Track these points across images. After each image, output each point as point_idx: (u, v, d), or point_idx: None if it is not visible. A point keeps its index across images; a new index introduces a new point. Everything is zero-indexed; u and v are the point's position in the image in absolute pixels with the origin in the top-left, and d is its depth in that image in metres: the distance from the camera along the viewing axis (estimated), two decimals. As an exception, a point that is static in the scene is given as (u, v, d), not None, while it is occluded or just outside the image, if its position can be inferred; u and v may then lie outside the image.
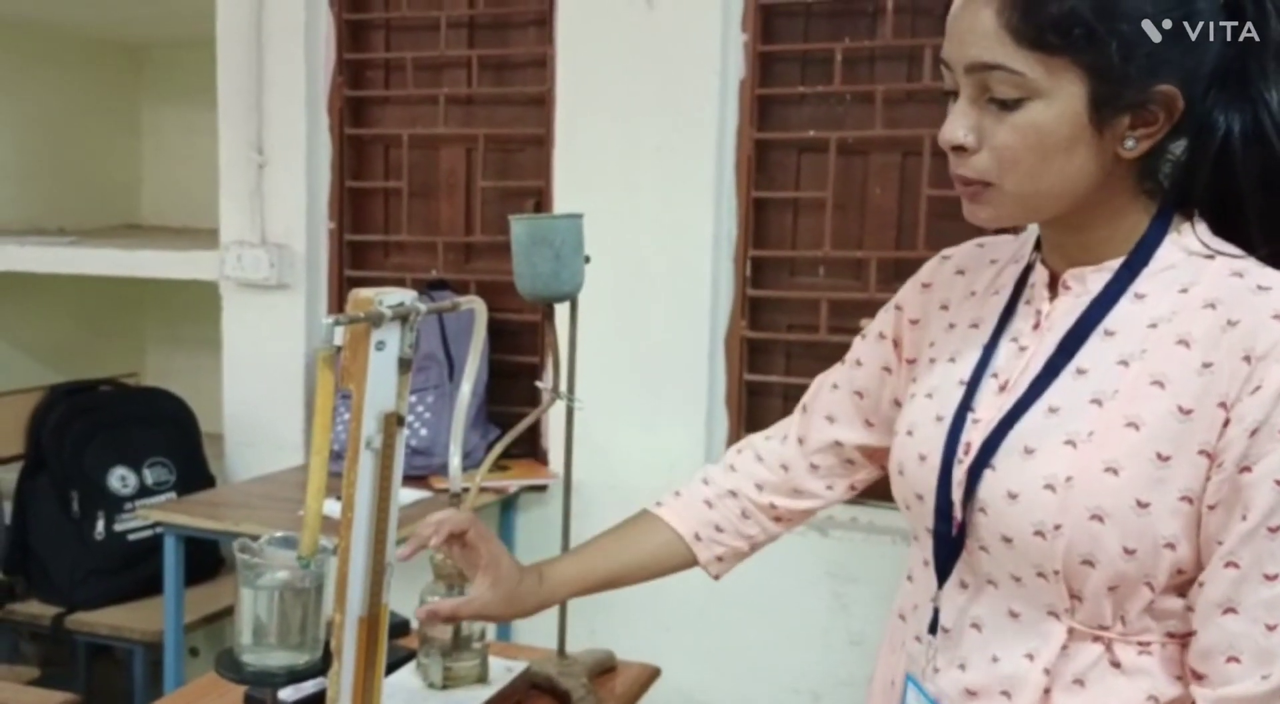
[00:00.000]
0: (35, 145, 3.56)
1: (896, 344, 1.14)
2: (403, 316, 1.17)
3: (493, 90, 2.77)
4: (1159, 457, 0.86)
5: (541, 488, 2.67)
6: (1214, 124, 0.88)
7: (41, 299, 3.50)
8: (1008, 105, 0.87)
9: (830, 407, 1.18)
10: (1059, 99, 0.86)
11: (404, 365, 1.19)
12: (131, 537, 2.68)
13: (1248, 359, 0.84)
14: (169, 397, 2.91)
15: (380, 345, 1.15)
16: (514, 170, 2.79)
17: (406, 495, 2.43)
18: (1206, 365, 0.85)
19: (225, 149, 2.88)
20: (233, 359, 2.91)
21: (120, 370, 3.09)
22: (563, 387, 1.44)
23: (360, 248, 2.93)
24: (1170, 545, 0.86)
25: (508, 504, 2.69)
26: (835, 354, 2.82)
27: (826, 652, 2.49)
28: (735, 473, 1.23)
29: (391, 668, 1.39)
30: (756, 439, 1.25)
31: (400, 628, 1.62)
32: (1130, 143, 0.88)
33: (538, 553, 2.72)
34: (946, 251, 1.12)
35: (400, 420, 1.18)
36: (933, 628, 0.99)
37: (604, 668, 1.51)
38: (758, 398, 2.62)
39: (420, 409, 2.59)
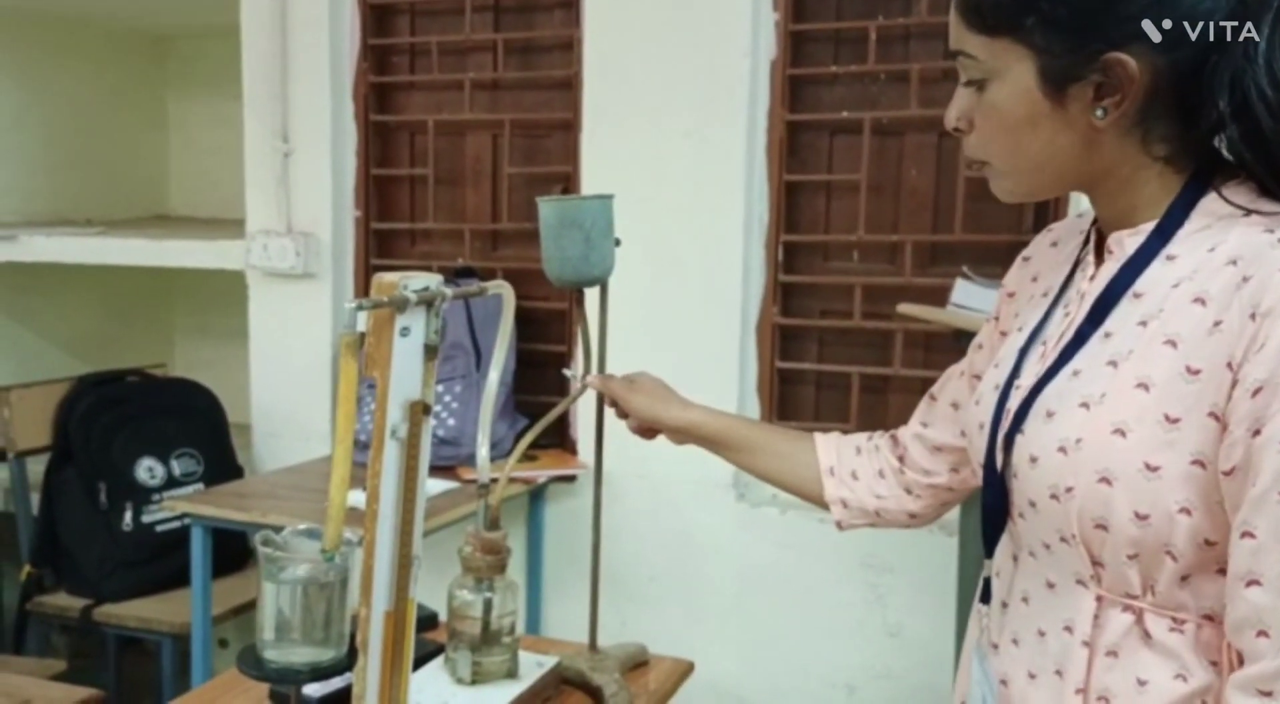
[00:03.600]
0: (62, 137, 3.55)
1: (997, 321, 1.15)
2: (428, 301, 1.13)
3: (519, 74, 2.73)
4: (1167, 418, 0.84)
5: (570, 478, 2.64)
6: (1213, 90, 0.85)
7: (70, 291, 3.49)
8: (979, 87, 0.92)
9: (956, 393, 1.19)
10: (1010, 78, 0.90)
11: (430, 352, 1.16)
12: (159, 528, 2.67)
13: (1254, 316, 0.80)
14: (197, 387, 2.89)
15: (405, 331, 1.11)
16: (541, 156, 2.75)
17: (434, 486, 2.40)
18: (1217, 324, 0.83)
19: (250, 138, 2.86)
20: (259, 349, 2.89)
21: (148, 361, 3.08)
22: (593, 374, 1.39)
23: (386, 236, 2.91)
24: (1185, 511, 0.84)
25: (536, 494, 2.66)
26: (869, 340, 2.76)
27: (862, 644, 2.44)
28: (882, 436, 1.27)
29: (419, 662, 1.36)
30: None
31: (428, 621, 1.59)
32: (1100, 113, 0.88)
33: (567, 545, 2.70)
34: (1052, 225, 1.12)
35: (426, 409, 1.15)
36: (985, 597, 1.01)
37: (636, 662, 1.47)
38: (790, 385, 2.57)
39: (447, 399, 2.56)
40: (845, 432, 1.32)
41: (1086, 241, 1.01)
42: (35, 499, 2.70)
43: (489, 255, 2.81)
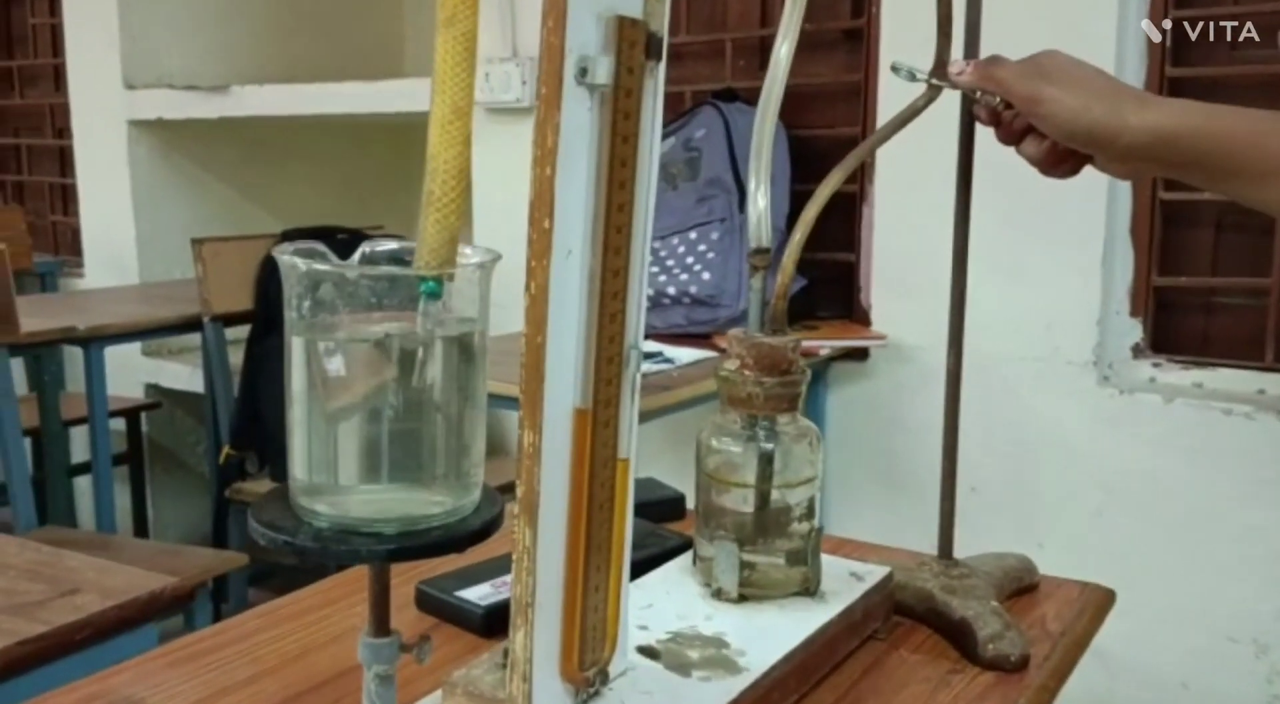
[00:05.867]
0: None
1: None
2: None
3: None
4: None
5: (862, 353, 2.03)
6: None
7: (298, 159, 3.19)
8: None
9: None
10: None
11: (658, -75, 0.58)
12: (370, 407, 2.27)
13: None
14: (414, 249, 2.47)
15: None
16: (826, -64, 2.11)
17: (684, 355, 1.86)
18: None
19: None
20: (483, 201, 2.43)
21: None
22: (959, 60, 0.77)
23: (630, 60, 2.35)
24: None
25: (815, 375, 2.06)
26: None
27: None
28: None
29: (653, 562, 0.81)
30: None
31: (671, 507, 1.05)
32: None
33: (855, 438, 2.09)
34: None
35: (653, 45, 0.57)
36: None
37: (1020, 586, 0.87)
38: (1179, 228, 1.84)
39: (702, 248, 2.00)
40: None
41: None
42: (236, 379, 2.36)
43: (758, 74, 2.21)
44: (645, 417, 1.65)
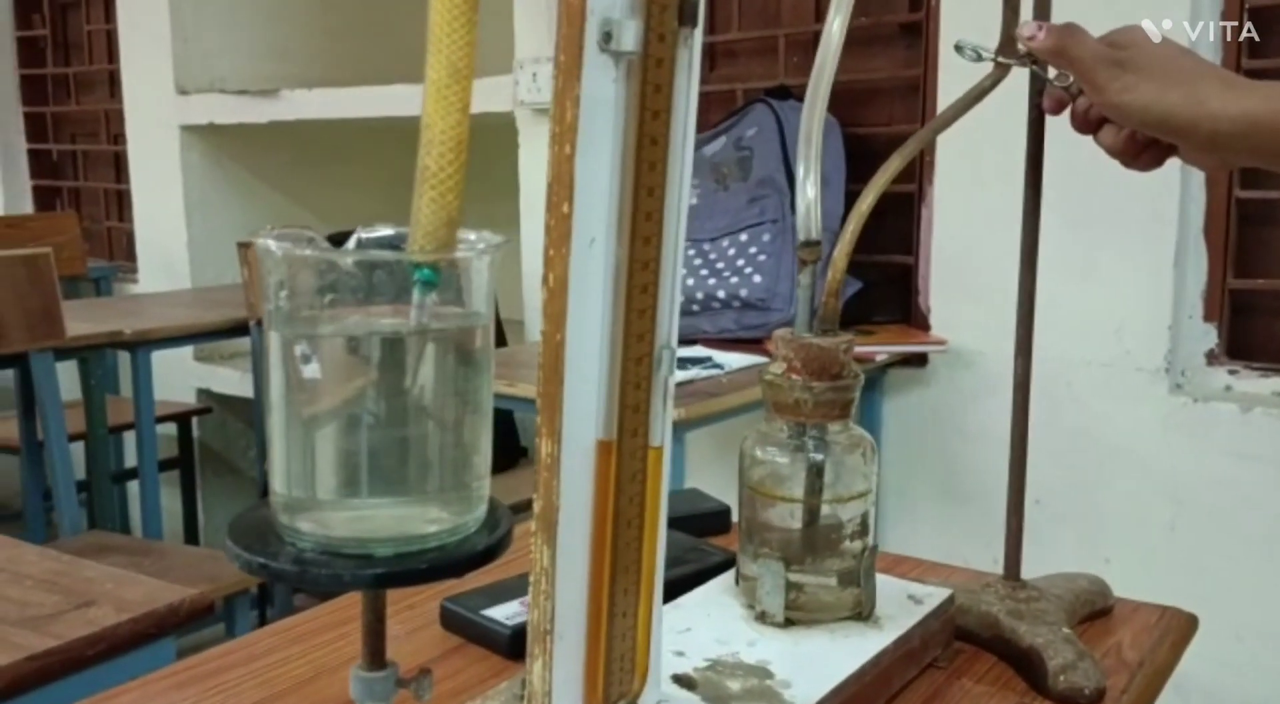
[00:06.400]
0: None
1: None
2: None
3: None
4: None
5: (920, 359, 1.95)
6: None
7: (344, 162, 3.17)
8: None
9: None
10: None
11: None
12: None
13: None
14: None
15: None
16: (882, -72, 2.04)
17: (733, 360, 1.80)
18: None
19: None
20: (530, 205, 2.38)
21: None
22: (1030, 22, 0.71)
23: (680, 58, 2.30)
24: None
25: (871, 383, 1.99)
26: None
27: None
28: None
29: (697, 580, 0.75)
30: None
31: (715, 520, 0.99)
32: None
33: (911, 449, 2.01)
34: None
35: (689, 13, 0.52)
36: None
37: (1093, 610, 0.79)
38: (1257, 227, 1.75)
39: (753, 250, 1.94)
40: None
41: None
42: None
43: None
44: (691, 425, 1.59)
